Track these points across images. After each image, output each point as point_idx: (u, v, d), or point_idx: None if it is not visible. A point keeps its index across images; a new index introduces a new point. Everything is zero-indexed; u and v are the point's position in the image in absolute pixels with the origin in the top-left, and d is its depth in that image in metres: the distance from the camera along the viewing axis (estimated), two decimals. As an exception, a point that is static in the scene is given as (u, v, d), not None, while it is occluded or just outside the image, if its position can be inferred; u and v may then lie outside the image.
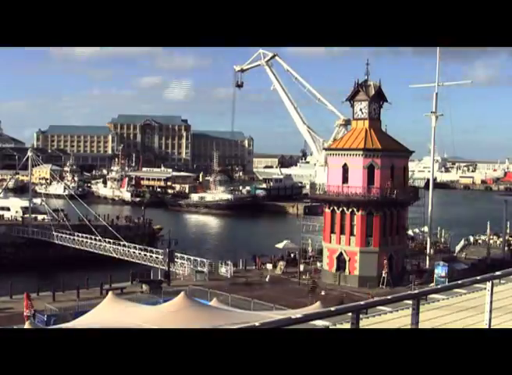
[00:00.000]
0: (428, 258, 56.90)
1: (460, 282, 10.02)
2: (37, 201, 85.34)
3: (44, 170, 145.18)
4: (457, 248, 65.53)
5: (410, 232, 62.82)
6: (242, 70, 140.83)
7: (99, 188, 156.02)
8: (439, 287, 9.81)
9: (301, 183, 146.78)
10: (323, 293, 45.51)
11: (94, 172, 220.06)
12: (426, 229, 60.93)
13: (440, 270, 49.45)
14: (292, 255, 58.30)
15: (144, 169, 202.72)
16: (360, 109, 51.44)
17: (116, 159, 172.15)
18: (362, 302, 6.73)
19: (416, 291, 8.09)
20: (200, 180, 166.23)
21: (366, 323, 8.29)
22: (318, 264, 55.00)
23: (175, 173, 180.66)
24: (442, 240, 67.82)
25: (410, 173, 65.11)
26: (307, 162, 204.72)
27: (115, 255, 60.13)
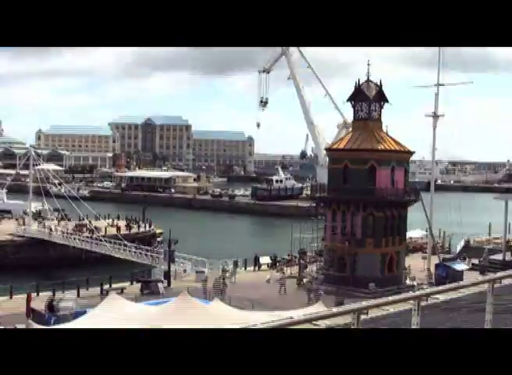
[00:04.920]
0: (428, 259, 56.82)
1: (460, 283, 10.02)
2: (38, 205, 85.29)
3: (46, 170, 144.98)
4: (458, 248, 65.48)
5: (410, 233, 62.81)
6: (267, 71, 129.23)
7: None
8: (439, 288, 9.80)
9: (302, 183, 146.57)
10: (322, 292, 45.49)
11: (94, 172, 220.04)
12: (427, 231, 60.91)
13: (440, 271, 49.52)
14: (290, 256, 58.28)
15: (145, 169, 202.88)
16: (361, 110, 51.49)
17: (117, 160, 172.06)
18: (363, 303, 6.72)
19: (417, 293, 8.08)
20: (201, 180, 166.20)
21: (367, 323, 8.28)
22: (317, 265, 55.00)
23: (175, 173, 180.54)
24: (441, 240, 67.78)
25: (410, 175, 65.06)
26: (306, 164, 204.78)
27: (115, 255, 60.24)
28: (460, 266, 51.22)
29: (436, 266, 51.37)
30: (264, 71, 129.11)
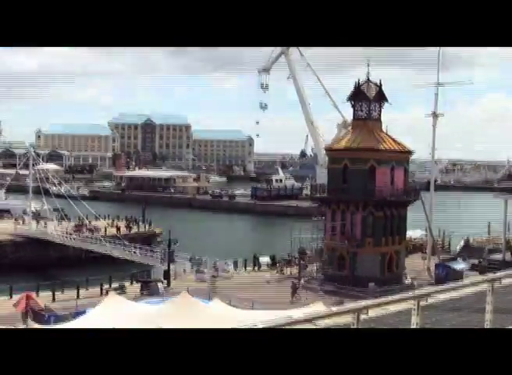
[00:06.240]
0: (428, 259, 56.86)
1: (460, 283, 10.03)
2: (37, 205, 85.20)
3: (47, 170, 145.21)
4: (457, 248, 65.51)
5: (410, 233, 62.80)
6: (267, 71, 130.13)
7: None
8: (439, 287, 9.80)
9: (302, 183, 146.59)
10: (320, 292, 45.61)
11: (94, 172, 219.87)
12: (426, 230, 60.97)
13: (440, 271, 49.50)
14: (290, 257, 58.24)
15: (144, 168, 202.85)
16: (361, 110, 51.53)
17: (117, 160, 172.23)
18: (363, 302, 6.72)
19: (417, 292, 8.09)
20: (201, 180, 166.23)
21: (366, 323, 8.29)
22: (317, 265, 55.09)
23: (175, 173, 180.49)
24: (441, 240, 67.86)
25: (410, 174, 65.12)
26: (306, 163, 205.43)
27: (115, 255, 60.26)
28: (460, 266, 51.22)
29: (436, 265, 51.37)
30: (263, 70, 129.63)
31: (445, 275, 47.86)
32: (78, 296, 44.90)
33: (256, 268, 57.21)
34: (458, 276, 46.10)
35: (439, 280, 45.30)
